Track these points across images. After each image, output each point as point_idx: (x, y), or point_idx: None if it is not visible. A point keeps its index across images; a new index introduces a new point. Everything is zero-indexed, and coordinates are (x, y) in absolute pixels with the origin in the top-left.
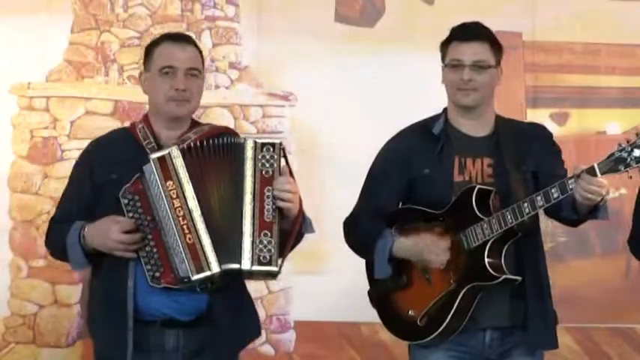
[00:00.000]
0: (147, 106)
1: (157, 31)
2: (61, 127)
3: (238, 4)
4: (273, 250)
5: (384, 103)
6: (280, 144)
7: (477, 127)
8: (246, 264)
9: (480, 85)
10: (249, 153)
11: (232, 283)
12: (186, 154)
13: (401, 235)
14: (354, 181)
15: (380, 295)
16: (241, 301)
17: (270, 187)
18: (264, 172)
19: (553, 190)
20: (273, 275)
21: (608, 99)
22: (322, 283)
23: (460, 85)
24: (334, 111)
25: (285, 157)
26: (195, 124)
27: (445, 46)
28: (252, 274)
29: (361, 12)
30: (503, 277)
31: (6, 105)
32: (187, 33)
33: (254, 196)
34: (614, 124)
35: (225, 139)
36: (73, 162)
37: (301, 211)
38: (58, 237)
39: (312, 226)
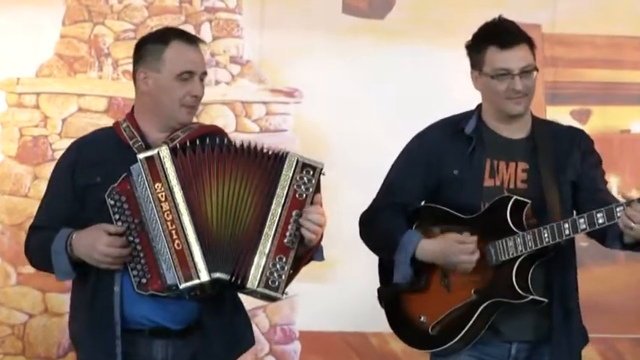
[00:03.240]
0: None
1: (154, 23)
2: (52, 125)
3: None
4: (283, 277)
5: (395, 99)
6: (321, 169)
7: (513, 129)
8: (253, 283)
9: (530, 90)
10: (288, 169)
11: (226, 291)
12: (178, 153)
13: (424, 237)
14: (362, 182)
15: (391, 294)
16: (233, 309)
17: (298, 211)
18: (297, 195)
19: (599, 215)
20: (273, 300)
21: (632, 95)
22: (329, 291)
23: (511, 94)
24: (341, 108)
25: (319, 182)
26: None
27: (479, 50)
28: (252, 292)
29: (370, 3)
30: (530, 297)
31: None
32: (186, 26)
33: (280, 216)
34: (639, 122)
35: (259, 146)
36: None
37: (320, 242)
38: (42, 245)
39: (322, 252)
